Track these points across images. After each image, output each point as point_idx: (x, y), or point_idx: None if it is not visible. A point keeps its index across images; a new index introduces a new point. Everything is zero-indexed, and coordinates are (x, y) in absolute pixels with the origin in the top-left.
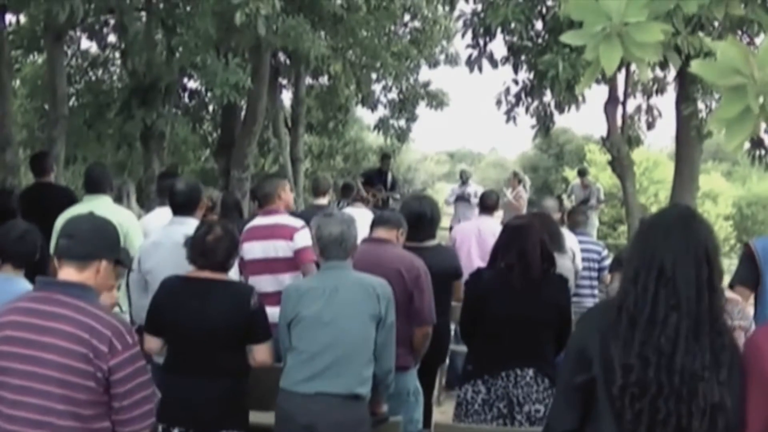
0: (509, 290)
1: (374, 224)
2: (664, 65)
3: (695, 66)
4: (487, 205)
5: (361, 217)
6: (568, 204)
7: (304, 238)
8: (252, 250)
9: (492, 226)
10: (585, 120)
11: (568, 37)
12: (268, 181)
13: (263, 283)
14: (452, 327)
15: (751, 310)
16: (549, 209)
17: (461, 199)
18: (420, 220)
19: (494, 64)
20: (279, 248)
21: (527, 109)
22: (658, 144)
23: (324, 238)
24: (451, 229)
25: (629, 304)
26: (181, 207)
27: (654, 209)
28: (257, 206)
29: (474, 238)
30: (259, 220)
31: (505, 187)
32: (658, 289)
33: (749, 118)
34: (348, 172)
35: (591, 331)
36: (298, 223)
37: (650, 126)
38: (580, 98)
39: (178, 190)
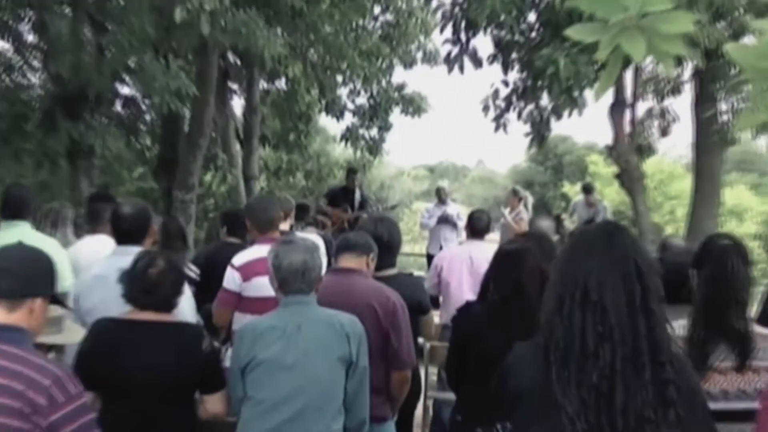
0: (504, 327)
1: (339, 251)
2: (679, 61)
3: (731, 49)
4: (478, 229)
5: None
6: (569, 225)
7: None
8: (261, 286)
9: (486, 253)
10: (587, 126)
11: (575, 32)
12: (269, 204)
13: None
14: (434, 371)
15: None
16: (544, 230)
17: (443, 221)
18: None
19: (477, 62)
20: (262, 286)
21: (519, 115)
22: (673, 153)
23: (284, 268)
24: (429, 256)
25: (557, 338)
26: (128, 235)
27: (670, 229)
28: (226, 232)
29: (465, 267)
30: (266, 249)
31: (503, 206)
32: (585, 316)
33: None
34: (311, 192)
35: (529, 375)
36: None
37: (664, 132)
38: (580, 101)
39: (124, 214)
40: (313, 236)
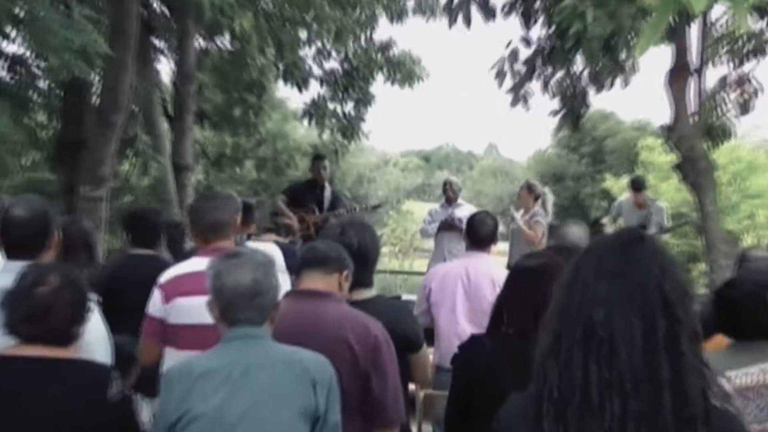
0: (523, 369)
1: (303, 266)
2: (762, 11)
3: None
4: (480, 237)
5: None
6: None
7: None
8: (196, 308)
9: (490, 269)
10: (637, 100)
11: None
12: (217, 203)
13: None
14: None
15: None
16: (576, 241)
17: (447, 227)
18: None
19: (489, 13)
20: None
21: (545, 85)
22: (756, 137)
23: (227, 291)
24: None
25: (551, 386)
26: (20, 246)
27: (750, 239)
28: (131, 240)
29: (460, 288)
30: (202, 263)
31: (513, 207)
32: (588, 358)
33: None
34: (265, 187)
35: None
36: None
37: (743, 108)
38: (628, 67)
39: (14, 218)
40: (268, 246)
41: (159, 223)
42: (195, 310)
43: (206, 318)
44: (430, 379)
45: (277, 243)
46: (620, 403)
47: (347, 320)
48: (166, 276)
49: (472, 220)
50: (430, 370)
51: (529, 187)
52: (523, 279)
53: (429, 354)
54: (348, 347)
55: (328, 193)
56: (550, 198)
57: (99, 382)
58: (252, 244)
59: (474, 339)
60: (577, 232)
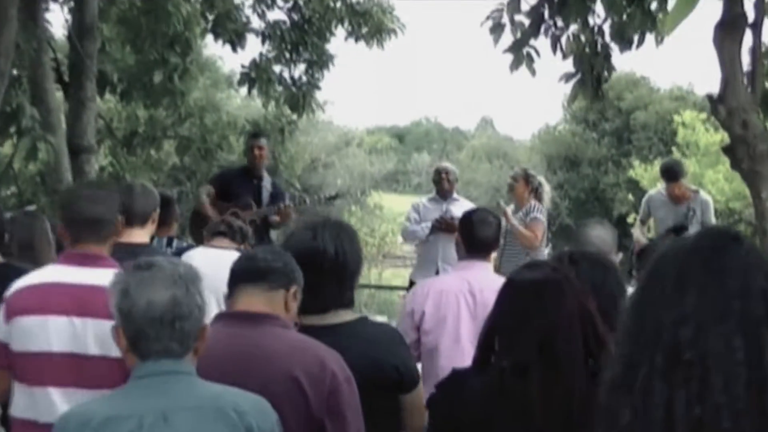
0: (518, 413)
1: (238, 281)
2: None
3: None
4: (481, 241)
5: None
6: (640, 235)
7: None
8: (40, 331)
9: (495, 283)
10: (675, 62)
11: None
12: (100, 196)
13: (41, 403)
14: None
15: None
16: (600, 246)
17: (444, 228)
18: (314, 266)
19: None
20: (99, 335)
21: (556, 42)
22: None
23: (137, 313)
24: (411, 286)
25: (623, 429)
26: None
27: None
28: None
29: (465, 309)
30: (67, 272)
31: (502, 200)
32: (673, 391)
33: None
34: (189, 175)
35: None
36: None
37: None
38: (662, 20)
39: None
40: (232, 254)
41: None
42: (37, 332)
43: (48, 345)
44: (425, 427)
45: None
46: None
47: (296, 352)
48: (12, 288)
49: (470, 219)
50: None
51: (526, 178)
52: (523, 296)
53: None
54: (297, 387)
55: (267, 182)
56: (548, 190)
57: None
58: (202, 255)
59: (457, 376)
60: (601, 235)
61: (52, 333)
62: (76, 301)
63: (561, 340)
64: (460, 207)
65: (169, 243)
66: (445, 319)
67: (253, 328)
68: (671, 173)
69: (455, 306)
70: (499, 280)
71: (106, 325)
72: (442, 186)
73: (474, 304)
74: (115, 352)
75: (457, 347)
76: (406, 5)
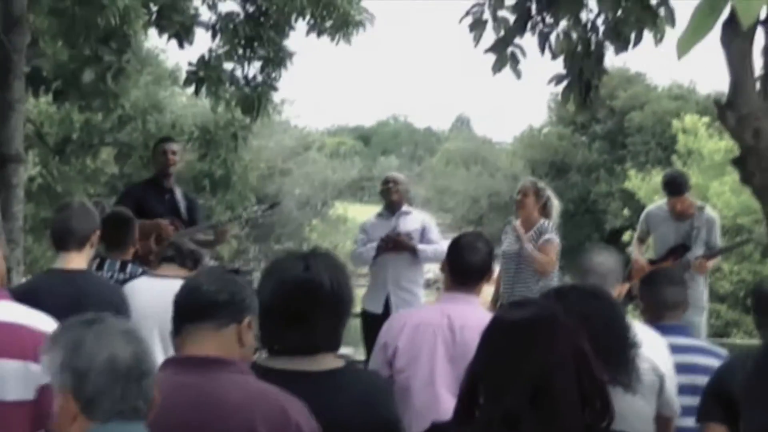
0: None
1: (182, 319)
2: None
3: None
4: (467, 269)
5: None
6: (638, 255)
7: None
8: None
9: (480, 319)
10: (672, 58)
11: None
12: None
13: None
14: None
15: None
16: (605, 274)
17: (391, 247)
18: (306, 303)
19: None
20: (7, 378)
21: (543, 42)
22: None
23: (97, 370)
24: (368, 318)
25: None
26: None
27: None
28: None
29: (441, 347)
30: None
31: (513, 217)
32: None
33: None
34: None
35: None
36: (45, 322)
37: None
38: (664, 16)
39: None
40: (166, 285)
41: None
42: None
43: None
44: None
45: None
46: None
47: (256, 402)
48: None
49: (457, 243)
50: None
51: (537, 192)
52: (510, 338)
53: None
54: None
55: (179, 195)
56: (557, 205)
57: None
58: (147, 285)
59: (438, 428)
60: (606, 263)
61: None
62: None
63: (555, 387)
64: (412, 221)
65: (123, 268)
66: (418, 357)
67: (207, 375)
68: (675, 186)
69: (431, 343)
70: (485, 317)
71: (8, 365)
72: (390, 198)
73: (453, 342)
74: (12, 393)
75: (431, 390)
76: None
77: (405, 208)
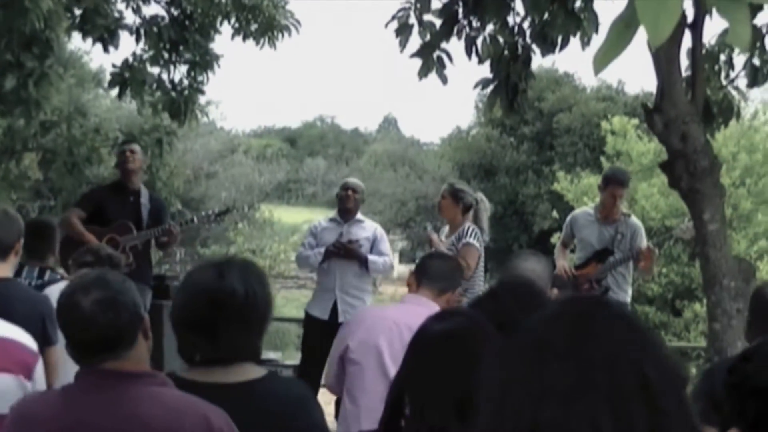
0: None
1: (84, 352)
2: None
3: None
4: (435, 275)
5: None
6: (561, 260)
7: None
8: None
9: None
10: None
11: None
12: None
13: None
14: None
15: None
16: (534, 279)
17: (341, 253)
18: (221, 312)
19: None
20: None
21: (470, 46)
22: None
23: None
24: (311, 321)
25: None
26: None
27: None
28: None
29: (397, 341)
30: None
31: (430, 226)
32: None
33: None
34: (54, 192)
35: None
36: (31, 341)
37: (756, 77)
38: (589, 18)
39: None
40: None
41: None
42: None
43: None
44: None
45: None
46: None
47: (178, 415)
48: None
49: (429, 254)
50: None
51: (454, 195)
52: (434, 350)
53: None
54: None
55: (144, 198)
56: (487, 208)
57: None
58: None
59: None
60: (535, 268)
61: None
62: None
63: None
64: (363, 230)
65: (41, 275)
66: (372, 352)
67: (125, 391)
68: (620, 174)
69: (387, 339)
70: None
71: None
72: (346, 205)
73: (404, 339)
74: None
75: (384, 382)
76: None
77: (359, 216)
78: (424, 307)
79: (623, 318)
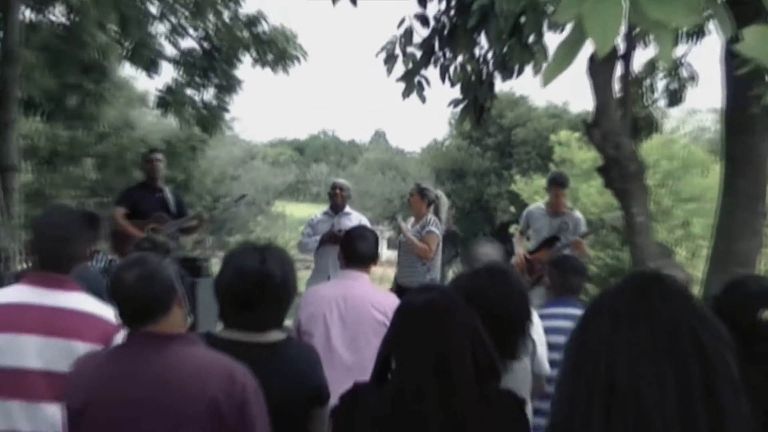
0: (415, 429)
1: (131, 318)
2: None
3: (749, 38)
4: (358, 255)
5: None
6: (519, 247)
7: None
8: (13, 347)
9: (367, 292)
10: (553, 83)
11: None
12: (64, 222)
13: (17, 414)
14: None
15: None
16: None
17: (332, 241)
18: (261, 290)
19: None
20: (75, 356)
21: (444, 72)
22: (691, 127)
23: None
24: None
25: None
26: None
27: (684, 252)
28: None
29: (336, 313)
30: (35, 294)
31: (400, 216)
32: (611, 422)
33: None
34: (107, 190)
35: None
36: (109, 313)
37: (674, 97)
38: (539, 50)
39: None
40: None
41: None
42: (9, 349)
43: (22, 360)
44: None
45: None
46: None
47: (209, 370)
48: None
49: (350, 235)
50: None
51: (420, 192)
52: (415, 320)
53: None
54: (214, 405)
55: (167, 193)
56: (445, 202)
57: None
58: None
59: (357, 392)
60: (489, 252)
61: (26, 350)
62: (53, 321)
63: (454, 363)
64: (350, 221)
65: (95, 256)
66: (318, 321)
67: (164, 350)
68: (561, 179)
69: (328, 309)
70: (373, 290)
71: (77, 346)
72: (336, 201)
73: (345, 308)
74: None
75: (329, 345)
76: (309, 30)
77: (347, 209)
78: (353, 280)
79: (678, 291)
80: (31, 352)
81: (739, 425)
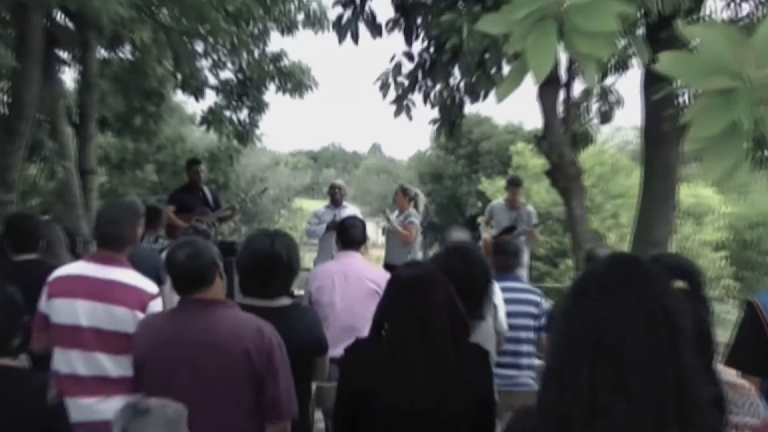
0: (404, 374)
1: (182, 286)
2: (625, 31)
3: (663, 60)
4: (352, 239)
5: None
6: (485, 234)
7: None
8: (71, 309)
9: (361, 267)
10: (510, 105)
11: (485, 24)
12: (116, 213)
13: (76, 361)
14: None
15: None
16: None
17: (333, 228)
18: (271, 266)
19: (376, 30)
20: (119, 318)
21: (426, 96)
22: (618, 140)
23: None
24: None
25: (574, 391)
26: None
27: (613, 237)
28: (11, 247)
29: (338, 283)
30: (90, 268)
31: (388, 209)
32: (595, 367)
33: (738, 138)
34: (164, 188)
35: None
36: (152, 286)
37: (605, 117)
38: (499, 79)
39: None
40: None
41: (37, 227)
42: (68, 310)
43: (77, 319)
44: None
45: None
46: (625, 408)
47: (243, 327)
48: (53, 275)
49: (344, 224)
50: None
51: (403, 191)
52: (404, 289)
53: None
54: (247, 355)
55: (207, 192)
56: (422, 199)
57: (38, 387)
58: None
59: (358, 344)
60: (460, 236)
61: (75, 311)
62: (105, 291)
63: (434, 321)
64: (347, 212)
65: (156, 240)
66: (324, 290)
67: (208, 312)
68: (516, 181)
69: (332, 282)
70: (364, 265)
71: (120, 311)
72: (335, 198)
73: (346, 281)
74: (122, 326)
75: (333, 311)
76: (320, 62)
77: (344, 203)
78: (350, 258)
79: (651, 270)
80: (83, 313)
81: (695, 376)
